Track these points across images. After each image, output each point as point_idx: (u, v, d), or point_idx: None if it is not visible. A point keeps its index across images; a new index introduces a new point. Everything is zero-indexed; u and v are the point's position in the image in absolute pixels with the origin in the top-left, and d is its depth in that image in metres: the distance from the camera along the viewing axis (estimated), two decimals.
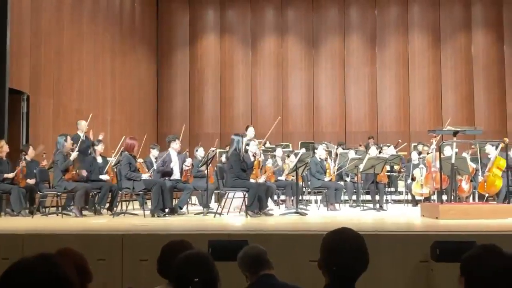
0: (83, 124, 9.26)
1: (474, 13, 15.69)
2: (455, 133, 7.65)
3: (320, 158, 10.05)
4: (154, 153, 10.09)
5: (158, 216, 7.44)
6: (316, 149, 10.39)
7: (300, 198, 9.84)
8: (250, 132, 8.92)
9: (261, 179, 9.12)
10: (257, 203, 7.59)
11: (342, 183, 10.44)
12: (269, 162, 10.09)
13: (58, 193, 7.93)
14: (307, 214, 8.16)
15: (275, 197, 10.10)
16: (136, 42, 14.69)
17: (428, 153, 10.51)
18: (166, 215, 7.62)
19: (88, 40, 12.14)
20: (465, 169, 8.98)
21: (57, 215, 7.87)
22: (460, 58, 15.66)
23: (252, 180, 8.28)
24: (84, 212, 8.01)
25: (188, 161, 8.64)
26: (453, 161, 7.78)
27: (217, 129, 15.84)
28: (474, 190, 9.89)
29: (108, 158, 9.19)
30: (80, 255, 2.22)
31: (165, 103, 16.04)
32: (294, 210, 8.15)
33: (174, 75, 16.14)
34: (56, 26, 10.86)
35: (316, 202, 10.83)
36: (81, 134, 9.09)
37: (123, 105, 13.74)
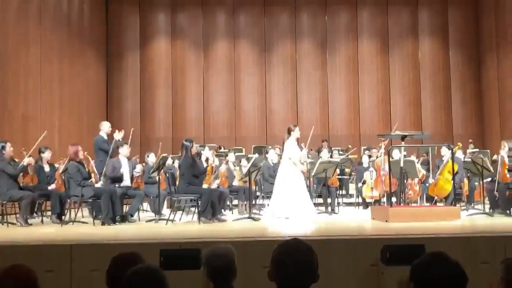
0: (106, 126, 8.95)
1: (421, 20, 16.16)
2: (403, 138, 7.85)
3: (272, 163, 10.10)
4: None
5: (108, 225, 7.30)
6: (268, 153, 10.45)
7: (253, 202, 9.86)
8: (297, 132, 8.70)
9: (214, 185, 9.10)
10: (210, 209, 7.55)
11: None
12: (223, 168, 10.07)
13: (4, 202, 7.65)
14: (260, 219, 8.19)
15: (228, 202, 10.08)
16: (85, 44, 14.37)
17: (377, 157, 10.74)
18: (117, 223, 7.48)
19: (34, 42, 11.78)
20: (413, 172, 9.23)
21: (2, 224, 7.60)
22: (408, 63, 16.09)
23: (204, 186, 8.23)
24: (30, 221, 7.77)
25: (138, 167, 8.51)
26: (401, 164, 7.98)
27: (169, 134, 15.67)
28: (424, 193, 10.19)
29: (55, 165, 8.96)
30: (29, 274, 2.12)
31: (115, 107, 15.76)
32: (247, 216, 8.16)
33: (124, 79, 15.88)
34: (0, 28, 10.49)
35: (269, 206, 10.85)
36: (105, 136, 8.81)
37: (71, 110, 13.40)
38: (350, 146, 13.34)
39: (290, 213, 8.14)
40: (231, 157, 10.69)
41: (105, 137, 8.84)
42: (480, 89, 15.76)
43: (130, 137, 9.24)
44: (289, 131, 8.69)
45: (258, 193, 10.47)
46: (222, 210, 9.26)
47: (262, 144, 14.60)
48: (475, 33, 15.93)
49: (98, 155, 8.74)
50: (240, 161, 11.00)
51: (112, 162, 8.30)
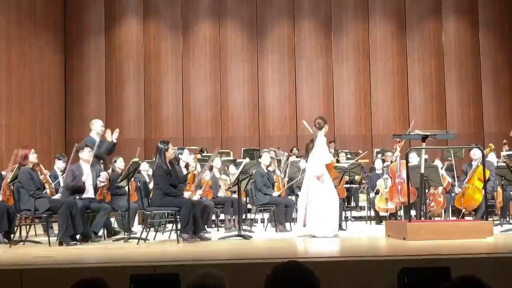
0: (97, 125, 8.95)
1: None
2: (424, 138, 7.87)
3: (267, 169, 10.10)
4: (59, 164, 9.87)
5: (67, 245, 7.28)
6: (261, 157, 10.46)
7: (244, 217, 9.86)
8: (327, 128, 8.41)
9: (196, 196, 9.08)
10: (191, 225, 7.54)
11: (293, 198, 10.53)
12: (206, 175, 10.06)
13: None
14: (252, 237, 8.19)
15: (213, 217, 10.09)
16: (38, 27, 14.32)
17: (392, 161, 10.78)
18: (78, 243, 7.47)
19: None
20: (436, 180, 9.26)
21: None
22: (429, 48, 16.14)
23: (185, 194, 8.15)
24: None
25: (103, 175, 8.48)
26: (422, 170, 8.00)
27: (140, 135, 15.65)
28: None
29: (2, 173, 8.91)
30: None
31: (75, 102, 15.71)
32: (236, 233, 8.16)
33: (86, 68, 15.84)
34: None
35: (262, 221, 10.87)
36: (96, 137, 8.81)
37: (21, 106, 13.35)
38: (360, 151, 13.32)
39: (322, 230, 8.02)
40: (217, 162, 10.69)
41: (97, 139, 8.84)
42: None
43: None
44: (320, 126, 8.42)
45: (249, 206, 10.47)
46: (206, 226, 9.26)
47: (253, 147, 14.59)
48: (509, 11, 16.02)
49: None
50: (228, 167, 10.99)
51: (71, 169, 8.27)
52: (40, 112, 14.20)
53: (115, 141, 8.96)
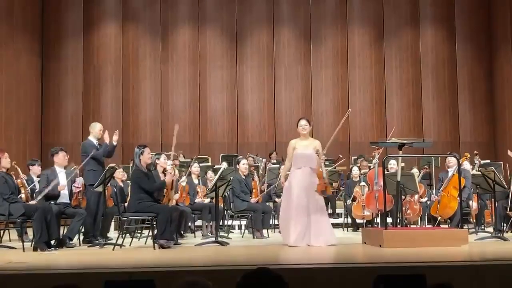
0: (96, 128, 8.83)
1: (423, 6, 16.37)
2: (400, 146, 7.92)
3: (244, 175, 10.10)
4: (35, 170, 9.79)
5: (41, 250, 7.22)
6: (239, 163, 10.45)
7: (221, 223, 9.84)
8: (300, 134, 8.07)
9: (173, 202, 9.05)
10: (169, 231, 7.50)
11: (271, 204, 10.53)
12: (183, 180, 10.03)
13: None
14: (229, 243, 8.17)
15: (190, 223, 10.06)
16: (15, 29, 14.19)
17: (369, 168, 10.84)
18: (52, 249, 7.40)
19: None
20: (412, 187, 9.33)
21: None
22: (406, 57, 16.27)
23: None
24: None
25: (79, 180, 8.41)
26: (398, 178, 8.06)
27: (118, 139, 15.48)
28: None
29: None
30: None
31: (52, 105, 15.56)
32: (213, 239, 8.14)
33: (63, 71, 15.71)
34: None
35: (240, 228, 10.85)
36: (95, 141, 8.69)
37: None
38: (340, 156, 13.40)
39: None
40: (195, 167, 10.65)
41: (95, 142, 8.75)
42: (492, 88, 16.03)
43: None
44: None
45: (226, 212, 10.44)
46: (182, 232, 9.22)
47: (232, 153, 14.58)
48: (486, 22, 16.21)
49: (86, 163, 8.66)
50: (206, 173, 10.97)
51: (46, 174, 8.19)
52: (16, 115, 14.05)
53: (115, 143, 8.85)
